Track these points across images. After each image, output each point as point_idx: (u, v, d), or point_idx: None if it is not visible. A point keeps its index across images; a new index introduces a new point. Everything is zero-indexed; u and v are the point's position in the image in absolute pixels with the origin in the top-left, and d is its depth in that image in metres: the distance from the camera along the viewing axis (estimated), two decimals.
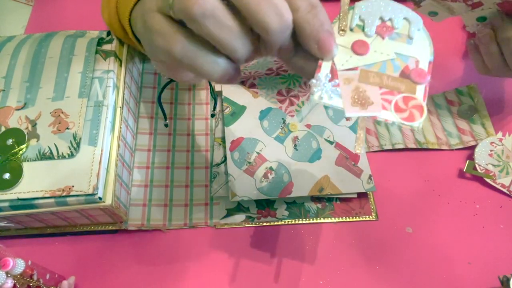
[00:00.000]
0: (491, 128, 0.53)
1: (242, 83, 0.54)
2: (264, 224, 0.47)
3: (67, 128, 0.41)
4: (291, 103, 0.53)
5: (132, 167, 0.48)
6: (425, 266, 0.44)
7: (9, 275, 0.34)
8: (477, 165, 0.49)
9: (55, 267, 0.42)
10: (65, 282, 0.40)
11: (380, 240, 0.46)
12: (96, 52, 0.46)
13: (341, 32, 0.27)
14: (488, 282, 0.43)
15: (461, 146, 0.52)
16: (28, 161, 0.39)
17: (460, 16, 0.46)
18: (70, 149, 0.40)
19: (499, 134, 0.51)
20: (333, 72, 0.26)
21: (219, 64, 0.26)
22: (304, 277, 0.44)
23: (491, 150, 0.50)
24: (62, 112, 0.42)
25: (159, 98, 0.50)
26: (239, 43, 0.25)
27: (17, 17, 0.63)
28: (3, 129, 0.41)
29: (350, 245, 0.46)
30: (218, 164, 0.49)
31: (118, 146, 0.43)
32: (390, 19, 0.27)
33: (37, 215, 0.40)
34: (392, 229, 0.47)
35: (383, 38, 0.27)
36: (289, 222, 0.47)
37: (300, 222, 0.47)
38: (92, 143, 0.40)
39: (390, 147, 0.51)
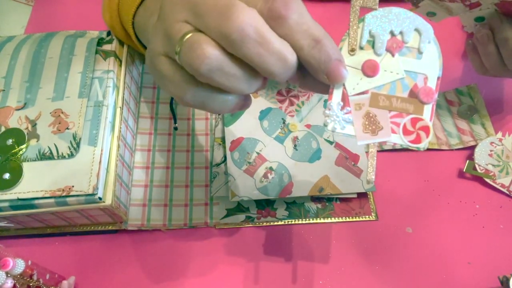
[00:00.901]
0: (491, 128, 0.53)
1: None
2: (264, 224, 0.47)
3: (67, 128, 0.41)
4: (291, 103, 0.53)
5: (132, 167, 0.48)
6: (425, 266, 0.44)
7: (9, 275, 0.34)
8: (477, 165, 0.49)
9: (55, 267, 0.42)
10: (65, 282, 0.40)
11: (380, 240, 0.46)
12: (96, 52, 0.46)
13: (350, 52, 0.27)
14: (488, 282, 0.43)
15: (461, 146, 0.52)
16: (28, 161, 0.39)
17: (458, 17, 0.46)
18: (70, 149, 0.40)
19: (499, 134, 0.51)
20: (345, 99, 0.26)
21: (230, 102, 0.26)
22: (304, 277, 0.44)
23: (491, 150, 0.50)
24: (62, 112, 0.42)
25: (171, 103, 0.50)
26: (246, 85, 0.25)
27: (17, 17, 0.63)
28: (3, 129, 0.41)
29: (350, 245, 0.46)
30: (218, 164, 0.49)
31: (118, 146, 0.43)
32: (401, 32, 0.26)
33: (37, 215, 0.40)
34: (392, 229, 0.47)
35: (393, 55, 0.27)
36: (289, 222, 0.47)
37: (300, 222, 0.47)
38: (92, 143, 0.40)
39: (390, 147, 0.51)
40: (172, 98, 0.49)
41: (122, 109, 0.45)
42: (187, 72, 0.25)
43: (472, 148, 0.51)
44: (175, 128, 0.51)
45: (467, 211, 0.48)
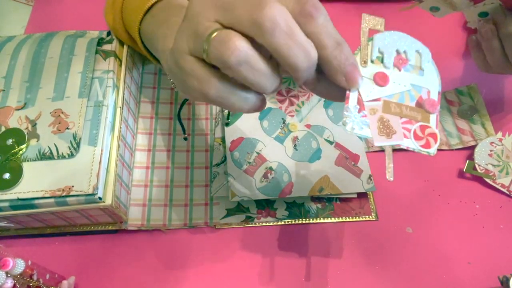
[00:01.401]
0: (491, 128, 0.53)
1: None
2: (264, 224, 0.47)
3: (67, 128, 0.41)
4: (291, 103, 0.53)
5: (132, 167, 0.48)
6: (425, 266, 0.44)
7: (9, 275, 0.34)
8: (477, 165, 0.49)
9: (55, 267, 0.42)
10: (65, 282, 0.40)
11: (380, 240, 0.46)
12: (96, 52, 0.46)
13: (363, 63, 0.29)
14: (488, 282, 0.43)
15: (461, 146, 0.52)
16: (28, 161, 0.39)
17: (460, 15, 0.46)
18: (70, 149, 0.40)
19: (499, 134, 0.51)
20: (360, 103, 0.28)
21: (250, 100, 0.28)
22: (304, 277, 0.44)
23: (491, 150, 0.50)
24: (62, 112, 0.42)
25: (178, 114, 0.49)
26: (269, 82, 0.27)
27: (17, 17, 0.63)
28: (3, 129, 0.41)
29: (350, 245, 0.46)
30: (218, 164, 0.49)
31: (118, 146, 0.43)
32: (404, 52, 0.30)
33: (37, 215, 0.40)
34: (392, 229, 0.47)
35: (399, 70, 0.30)
36: (289, 222, 0.47)
37: (300, 222, 0.47)
38: (92, 143, 0.40)
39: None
40: (180, 110, 0.49)
41: (122, 109, 0.45)
42: (213, 69, 0.26)
43: (472, 148, 0.51)
44: (185, 139, 0.51)
45: (467, 211, 0.48)
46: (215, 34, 0.25)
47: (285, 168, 0.48)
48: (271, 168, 0.47)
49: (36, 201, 0.38)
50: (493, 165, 0.50)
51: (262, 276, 0.44)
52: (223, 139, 0.50)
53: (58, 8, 0.64)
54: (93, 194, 0.38)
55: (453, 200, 0.49)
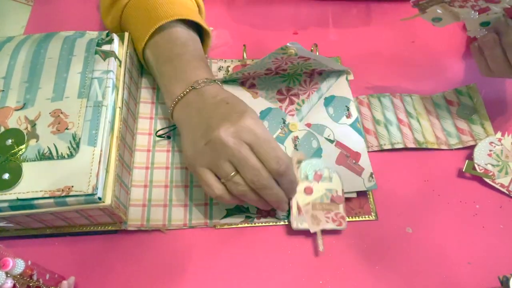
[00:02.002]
0: (490, 128, 0.53)
1: (242, 83, 0.54)
2: (264, 224, 0.47)
3: (67, 128, 0.41)
4: (291, 102, 0.53)
5: (131, 167, 0.48)
6: (425, 266, 0.44)
7: (9, 275, 0.34)
8: (476, 165, 0.49)
9: (55, 267, 0.42)
10: (65, 282, 0.40)
11: (380, 240, 0.46)
12: (96, 52, 0.46)
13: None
14: (488, 282, 0.43)
15: (460, 146, 0.52)
16: (27, 161, 0.39)
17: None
18: (69, 149, 0.40)
19: (498, 134, 0.51)
20: (299, 208, 0.44)
21: (245, 202, 0.44)
22: (304, 277, 0.44)
23: (490, 150, 0.50)
24: (61, 113, 0.42)
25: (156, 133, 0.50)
26: (259, 204, 0.43)
27: (17, 17, 0.63)
28: (2, 129, 0.41)
29: (350, 245, 0.46)
30: None
31: (118, 146, 0.43)
32: (319, 169, 0.46)
33: (36, 215, 0.40)
34: (392, 229, 0.47)
35: (318, 182, 0.46)
36: (289, 223, 0.47)
37: None
38: (91, 143, 0.40)
39: (389, 146, 0.51)
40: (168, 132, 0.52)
41: (122, 109, 0.45)
42: (225, 186, 0.41)
43: (471, 148, 0.51)
44: (168, 137, 0.51)
45: (467, 211, 0.48)
46: (231, 175, 0.40)
47: None
48: None
49: (36, 202, 0.38)
50: (492, 165, 0.50)
51: (262, 276, 0.44)
52: None
53: (58, 8, 0.64)
54: (92, 194, 0.38)
55: (453, 200, 0.49)
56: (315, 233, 0.44)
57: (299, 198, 0.45)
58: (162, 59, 0.47)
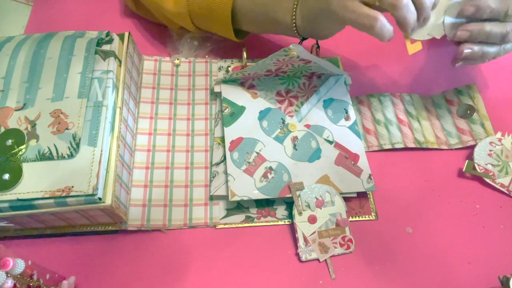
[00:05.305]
0: (490, 128, 0.53)
1: (242, 84, 0.54)
2: (264, 224, 0.47)
3: (67, 129, 0.41)
4: (290, 104, 0.53)
5: (131, 167, 0.48)
6: (425, 266, 0.44)
7: (9, 275, 0.34)
8: (476, 165, 0.49)
9: (55, 267, 0.42)
10: (65, 282, 0.40)
11: (380, 240, 0.46)
12: (96, 52, 0.46)
13: (299, 214, 0.46)
14: (488, 282, 0.43)
15: (460, 146, 0.52)
16: (27, 161, 0.39)
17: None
18: (69, 149, 0.40)
19: (498, 134, 0.51)
20: (306, 240, 0.45)
21: (391, 31, 0.42)
22: (304, 277, 0.44)
23: (490, 150, 0.50)
24: (61, 113, 0.42)
25: None
26: (409, 15, 0.41)
27: (17, 17, 0.63)
28: (2, 129, 0.41)
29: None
30: (217, 163, 0.49)
31: (118, 146, 0.43)
32: (320, 195, 0.46)
33: (37, 215, 0.40)
34: (392, 229, 0.47)
35: (321, 208, 0.46)
36: (289, 222, 0.47)
37: None
38: (91, 144, 0.40)
39: (389, 146, 0.51)
40: None
41: (122, 109, 0.45)
42: (375, 10, 0.40)
43: (471, 147, 0.51)
44: None
45: (467, 211, 0.48)
46: None
47: (284, 168, 0.48)
48: (270, 168, 0.47)
49: (36, 202, 0.38)
50: (492, 165, 0.50)
51: (262, 275, 0.44)
52: (222, 138, 0.50)
53: (58, 8, 0.64)
54: (93, 195, 0.38)
55: (453, 200, 0.49)
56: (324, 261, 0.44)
57: (304, 229, 0.45)
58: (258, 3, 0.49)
